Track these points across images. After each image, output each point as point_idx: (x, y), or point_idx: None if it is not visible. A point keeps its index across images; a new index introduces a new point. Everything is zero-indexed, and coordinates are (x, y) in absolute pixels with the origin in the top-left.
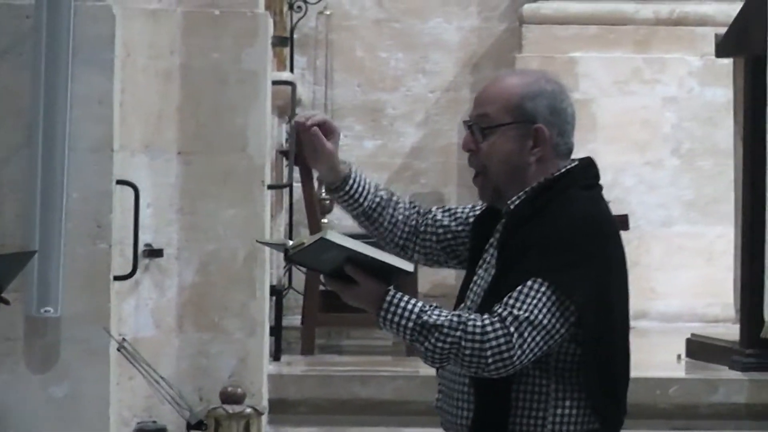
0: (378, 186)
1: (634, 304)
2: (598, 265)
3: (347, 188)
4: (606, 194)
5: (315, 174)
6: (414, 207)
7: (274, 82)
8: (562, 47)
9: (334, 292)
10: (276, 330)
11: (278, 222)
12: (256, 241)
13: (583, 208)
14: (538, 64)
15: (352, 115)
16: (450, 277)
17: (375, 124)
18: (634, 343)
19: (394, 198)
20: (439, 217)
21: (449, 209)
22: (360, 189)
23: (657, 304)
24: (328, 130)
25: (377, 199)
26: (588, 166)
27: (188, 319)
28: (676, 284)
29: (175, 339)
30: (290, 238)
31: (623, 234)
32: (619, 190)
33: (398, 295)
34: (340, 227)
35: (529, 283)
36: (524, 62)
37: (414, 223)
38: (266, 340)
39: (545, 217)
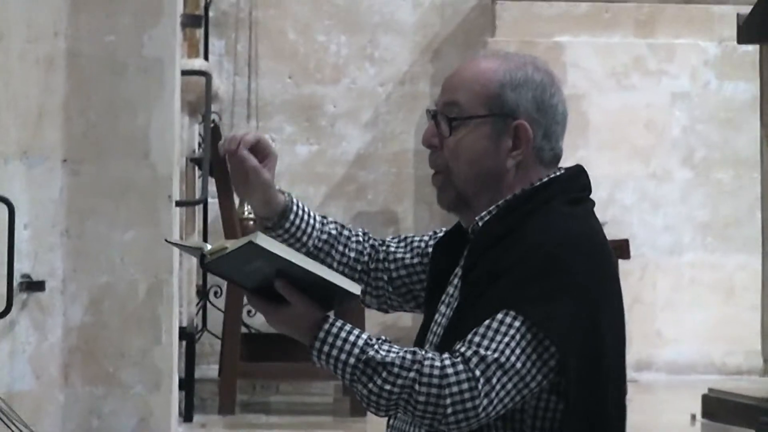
0: (324, 219)
1: (637, 351)
2: (586, 298)
3: (287, 225)
4: (600, 214)
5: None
6: (369, 239)
7: (184, 72)
8: (546, 29)
9: (260, 336)
10: (187, 383)
11: None
12: (166, 240)
13: (569, 225)
14: (515, 51)
15: (282, 113)
16: (404, 317)
17: (310, 124)
18: (637, 399)
19: (345, 232)
20: (392, 248)
21: (405, 238)
22: (303, 225)
23: (665, 351)
24: (262, 150)
25: (324, 236)
26: (576, 176)
27: (76, 369)
28: (688, 327)
29: (60, 394)
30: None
31: (622, 264)
32: (616, 209)
33: (338, 323)
34: None
35: (499, 316)
36: (498, 47)
37: (367, 258)
38: (174, 396)
39: (520, 237)
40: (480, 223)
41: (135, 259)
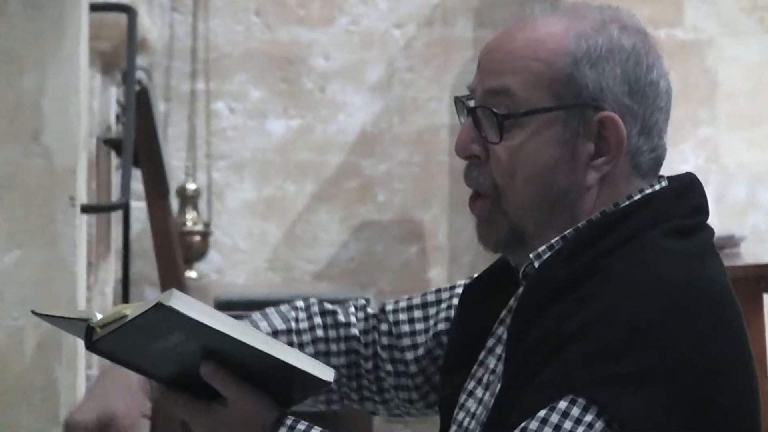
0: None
1: None
2: (694, 384)
3: None
4: (734, 224)
5: (174, 184)
6: (335, 323)
7: (95, 7)
8: None
9: None
10: None
11: (102, 276)
12: (33, 312)
13: (670, 271)
14: None
15: (246, 70)
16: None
17: (289, 87)
18: None
19: (283, 334)
20: (405, 328)
21: (423, 304)
22: None
23: None
24: None
25: None
26: (685, 191)
27: None
28: None
29: None
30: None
31: None
32: (759, 217)
33: (302, 426)
34: (224, 285)
35: (561, 405)
36: None
37: (347, 359)
38: None
39: (595, 288)
40: (536, 263)
41: (20, 295)
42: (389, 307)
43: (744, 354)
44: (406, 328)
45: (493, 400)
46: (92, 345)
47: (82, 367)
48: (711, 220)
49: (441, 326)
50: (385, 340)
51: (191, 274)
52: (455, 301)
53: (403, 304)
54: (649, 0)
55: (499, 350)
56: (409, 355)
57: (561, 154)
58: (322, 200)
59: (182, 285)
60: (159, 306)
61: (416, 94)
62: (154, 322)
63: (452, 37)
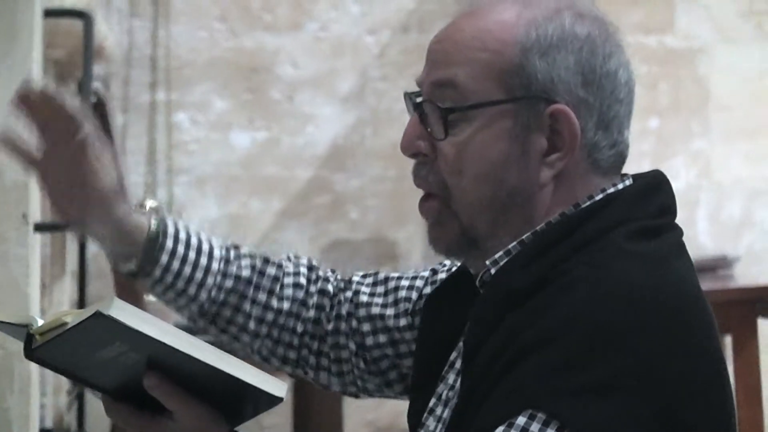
0: (233, 252)
1: None
2: (662, 395)
3: (158, 273)
4: (727, 244)
5: (133, 200)
6: (320, 279)
7: (49, 14)
8: None
9: None
10: None
11: (57, 299)
12: None
13: (635, 274)
14: None
15: (209, 79)
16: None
17: (255, 97)
18: None
19: (270, 270)
20: (364, 297)
21: (385, 279)
22: (186, 268)
23: None
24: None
25: (229, 283)
26: (651, 189)
27: None
28: None
29: None
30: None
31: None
32: (755, 236)
33: None
34: None
35: (520, 420)
36: None
37: (315, 314)
38: None
39: (555, 294)
40: (493, 270)
41: None
42: (355, 278)
43: (714, 361)
44: (365, 299)
45: (450, 416)
46: (31, 353)
47: (35, 395)
48: (703, 240)
49: (412, 311)
50: (346, 308)
51: (151, 296)
52: (427, 287)
53: (369, 279)
54: (638, 4)
55: (458, 365)
56: (366, 327)
57: (511, 149)
58: (290, 218)
59: (141, 308)
60: (97, 314)
61: (391, 105)
62: (94, 331)
63: (425, 46)
